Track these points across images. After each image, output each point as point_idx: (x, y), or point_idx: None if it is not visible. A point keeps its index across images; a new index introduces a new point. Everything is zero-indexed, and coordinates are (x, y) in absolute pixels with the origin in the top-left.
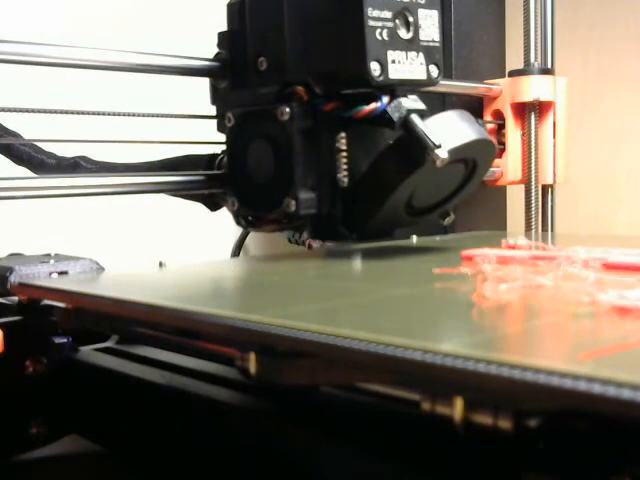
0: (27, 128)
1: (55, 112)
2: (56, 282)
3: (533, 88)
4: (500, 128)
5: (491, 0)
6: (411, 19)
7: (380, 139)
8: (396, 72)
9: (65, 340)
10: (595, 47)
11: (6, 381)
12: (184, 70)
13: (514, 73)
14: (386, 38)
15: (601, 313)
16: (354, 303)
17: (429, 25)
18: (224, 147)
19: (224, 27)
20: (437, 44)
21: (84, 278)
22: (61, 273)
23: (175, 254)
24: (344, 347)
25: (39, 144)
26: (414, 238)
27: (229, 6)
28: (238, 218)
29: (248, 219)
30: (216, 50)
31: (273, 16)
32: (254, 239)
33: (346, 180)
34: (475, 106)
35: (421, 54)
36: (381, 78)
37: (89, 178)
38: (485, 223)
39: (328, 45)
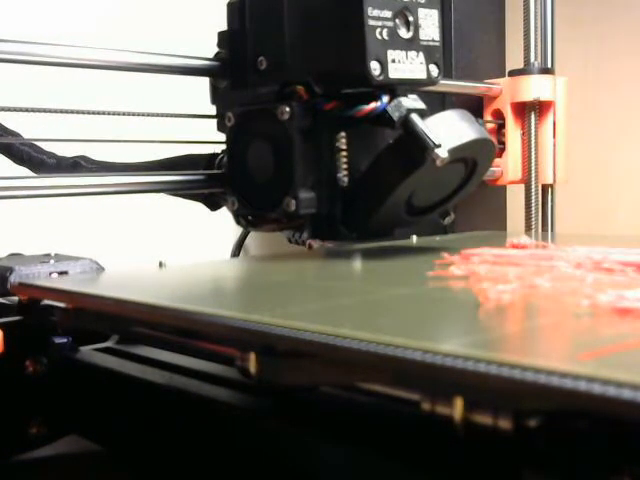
0: (27, 128)
1: (55, 112)
2: (56, 282)
3: (533, 88)
4: (500, 128)
5: (491, 0)
6: (411, 18)
7: (380, 139)
8: (396, 71)
9: (65, 340)
10: (595, 47)
11: (6, 381)
12: (184, 70)
13: (514, 73)
14: (386, 37)
15: (601, 313)
16: (354, 303)
17: (429, 24)
18: (224, 147)
19: (224, 27)
20: (437, 43)
21: (84, 278)
22: (61, 273)
23: (175, 254)
24: (344, 347)
25: (39, 144)
26: (414, 238)
27: (229, 5)
28: (238, 218)
29: (248, 219)
30: (216, 50)
31: (273, 16)
32: (254, 239)
33: (346, 179)
34: (475, 106)
35: (421, 53)
36: (381, 77)
37: (89, 178)
38: (485, 223)
39: (328, 44)
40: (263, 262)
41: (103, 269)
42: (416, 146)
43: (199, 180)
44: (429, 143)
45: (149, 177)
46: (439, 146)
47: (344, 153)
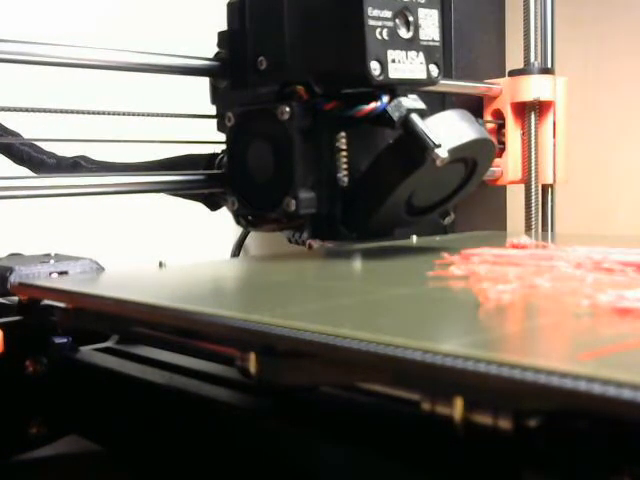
0: (27, 128)
1: (55, 112)
2: (56, 282)
3: (533, 88)
4: (500, 128)
5: (491, 0)
6: (411, 18)
7: (380, 138)
8: (396, 71)
9: (65, 340)
10: (595, 47)
11: (6, 381)
12: (184, 70)
13: (514, 73)
14: (386, 37)
15: (601, 313)
16: (354, 303)
17: (429, 24)
18: (224, 147)
19: (224, 27)
20: (437, 43)
21: (84, 278)
22: (61, 273)
23: (175, 254)
24: (344, 347)
25: (39, 144)
26: (414, 238)
27: (229, 5)
28: (238, 218)
29: (248, 219)
30: (216, 49)
31: (273, 15)
32: (254, 239)
33: (346, 179)
34: (475, 106)
35: (421, 53)
36: (381, 77)
37: (89, 178)
38: (485, 223)
39: (328, 44)
40: (263, 262)
41: (103, 269)
42: (416, 146)
43: (199, 180)
44: (429, 143)
45: (149, 177)
46: (439, 146)
47: (344, 153)
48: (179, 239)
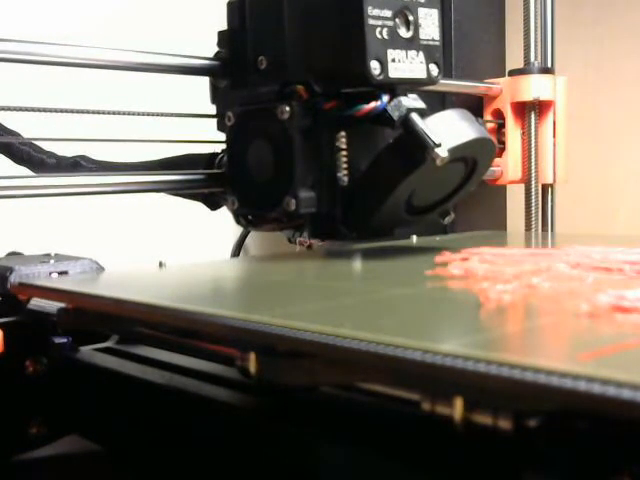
0: (27, 128)
1: (54, 111)
2: (56, 282)
3: (533, 87)
4: (500, 127)
5: (491, 0)
6: (411, 18)
7: (380, 138)
8: (396, 71)
9: (65, 340)
10: (595, 46)
11: (6, 381)
12: (184, 69)
13: (514, 72)
14: (386, 37)
15: (601, 313)
16: (354, 303)
17: (429, 24)
18: (224, 146)
19: (224, 26)
20: (437, 43)
21: (84, 278)
22: (61, 273)
23: (175, 254)
24: (344, 347)
25: (39, 143)
26: (414, 238)
27: (229, 5)
28: (238, 217)
29: (248, 218)
30: (216, 49)
31: (273, 15)
32: (254, 239)
33: (346, 179)
34: (475, 105)
35: (421, 53)
36: (381, 77)
37: (89, 177)
38: (485, 222)
39: (328, 44)
40: (263, 262)
41: (103, 269)
42: (416, 145)
43: (199, 180)
44: (429, 142)
45: (149, 177)
46: (439, 145)
47: (344, 152)
48: (179, 239)
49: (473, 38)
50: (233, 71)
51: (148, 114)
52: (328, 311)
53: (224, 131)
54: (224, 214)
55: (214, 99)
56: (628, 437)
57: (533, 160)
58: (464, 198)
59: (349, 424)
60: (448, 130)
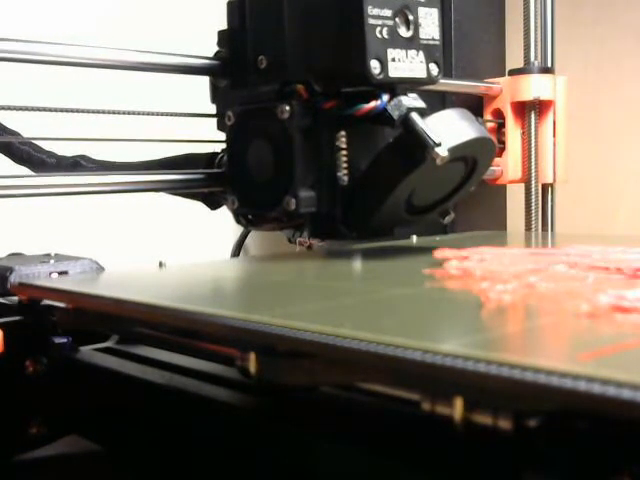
0: (27, 127)
1: (54, 111)
2: (56, 282)
3: (533, 87)
4: (500, 127)
5: (491, 0)
6: (411, 17)
7: (380, 137)
8: (396, 70)
9: (65, 340)
10: (595, 46)
11: (6, 381)
12: (184, 68)
13: (514, 72)
14: (386, 36)
15: (601, 313)
16: (354, 303)
17: (429, 23)
18: (224, 146)
19: (224, 25)
20: (437, 42)
21: (84, 278)
22: (61, 273)
23: (175, 254)
24: (344, 347)
25: (39, 143)
26: (414, 238)
27: (229, 4)
28: (238, 217)
29: (248, 218)
30: (216, 48)
31: (273, 14)
32: (254, 239)
33: (346, 178)
34: (475, 105)
35: (421, 52)
36: (381, 76)
37: (89, 177)
38: (485, 223)
39: (328, 43)
40: (263, 262)
41: (103, 269)
42: (416, 145)
43: (199, 179)
44: (429, 142)
45: (149, 176)
46: (439, 145)
47: (344, 152)
48: (179, 239)
49: (473, 38)
50: (233, 71)
51: (148, 114)
52: (328, 311)
53: (224, 131)
54: (224, 214)
55: (214, 99)
56: (628, 437)
57: (533, 160)
58: (464, 198)
59: (349, 424)
60: (448, 129)
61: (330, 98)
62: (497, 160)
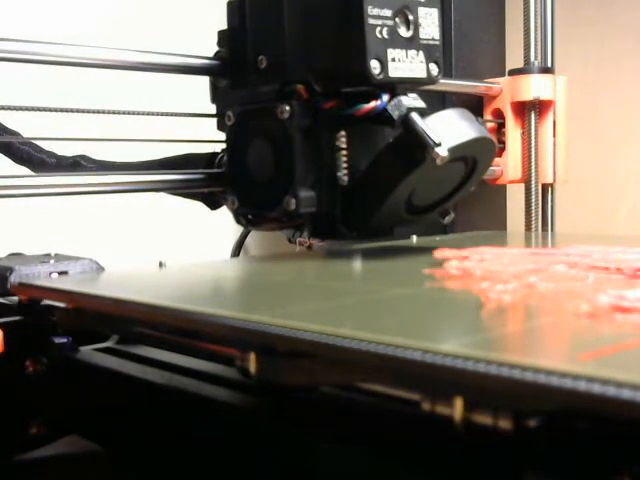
0: (27, 127)
1: (54, 110)
2: (56, 282)
3: (533, 87)
4: (500, 127)
5: (491, 0)
6: (411, 17)
7: (380, 137)
8: (396, 70)
9: (65, 340)
10: (595, 46)
11: (6, 381)
12: (184, 68)
13: (514, 72)
14: (386, 36)
15: (601, 313)
16: (354, 303)
17: (429, 23)
18: (224, 146)
19: (224, 25)
20: (437, 42)
21: (84, 278)
22: (61, 273)
23: (175, 254)
24: (344, 347)
25: (39, 143)
26: (414, 238)
27: (229, 4)
28: (238, 217)
29: (248, 218)
30: (216, 48)
31: (273, 14)
32: (254, 239)
33: (346, 178)
34: (475, 105)
35: (421, 52)
36: (381, 76)
37: (89, 176)
38: (485, 223)
39: (328, 43)
40: (263, 262)
41: (103, 269)
42: (416, 145)
43: (199, 179)
44: (429, 142)
45: (149, 176)
46: (439, 145)
47: (344, 152)
48: (179, 239)
49: (473, 38)
50: (233, 70)
51: (148, 114)
52: (328, 311)
53: (224, 131)
54: (224, 214)
55: (214, 99)
56: (628, 437)
57: (533, 160)
58: (464, 198)
59: (349, 424)
60: (448, 129)
61: (330, 98)
62: (497, 160)
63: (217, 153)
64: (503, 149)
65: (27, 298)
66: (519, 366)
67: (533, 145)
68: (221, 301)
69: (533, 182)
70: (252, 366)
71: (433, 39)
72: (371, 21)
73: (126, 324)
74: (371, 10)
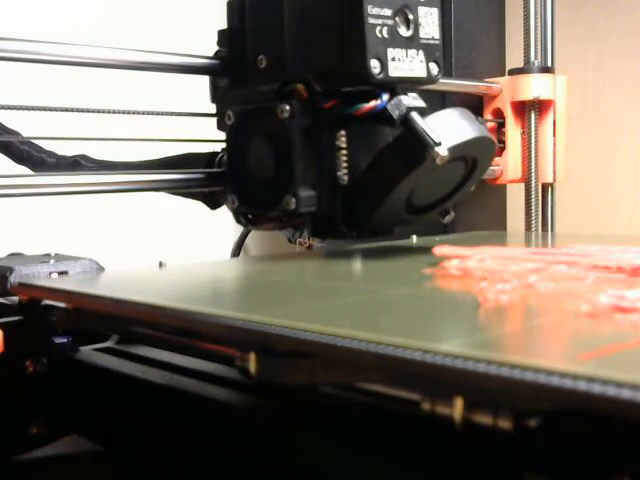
0: (26, 127)
1: (54, 110)
2: (56, 282)
3: (533, 86)
4: (500, 126)
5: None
6: (411, 17)
7: (380, 137)
8: (396, 70)
9: (65, 340)
10: (595, 46)
11: (6, 381)
12: (184, 68)
13: (514, 71)
14: (386, 36)
15: (601, 313)
16: (354, 303)
17: (429, 23)
18: (224, 145)
19: (224, 25)
20: (437, 42)
21: (84, 278)
22: (61, 273)
23: (175, 254)
24: (344, 347)
25: (39, 143)
26: (414, 238)
27: (229, 4)
28: (238, 216)
29: (248, 217)
30: (216, 48)
31: (273, 14)
32: (254, 239)
33: (346, 178)
34: (475, 104)
35: (421, 52)
36: (381, 76)
37: (89, 176)
38: (485, 222)
39: (328, 43)
40: (263, 262)
41: (103, 269)
42: (416, 144)
43: (199, 179)
44: (429, 141)
45: (149, 176)
46: (439, 144)
47: (344, 151)
48: (179, 239)
49: (473, 37)
50: (233, 70)
51: (148, 113)
52: (328, 311)
53: (224, 130)
54: (224, 214)
55: (214, 98)
56: (628, 437)
57: (533, 159)
58: (464, 197)
59: (349, 424)
60: (448, 129)
61: (330, 97)
62: (497, 160)
63: (217, 153)
64: (503, 149)
65: (27, 298)
66: (519, 366)
67: (533, 145)
68: (221, 301)
69: (533, 182)
70: (252, 366)
71: (433, 38)
72: (371, 20)
73: (126, 324)
74: (371, 9)
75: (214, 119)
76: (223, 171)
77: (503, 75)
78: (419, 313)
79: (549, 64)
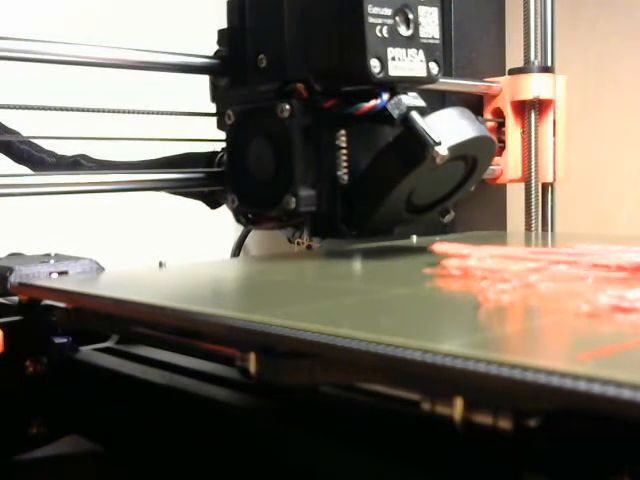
0: (26, 127)
1: (54, 109)
2: (56, 282)
3: (533, 86)
4: (500, 126)
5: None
6: (411, 16)
7: (380, 136)
8: (396, 69)
9: (65, 340)
10: (595, 45)
11: (6, 381)
12: (184, 67)
13: (514, 71)
14: (386, 35)
15: (601, 313)
16: (354, 303)
17: (429, 22)
18: (224, 145)
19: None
20: (437, 41)
21: (84, 278)
22: (61, 273)
23: (175, 254)
24: (344, 347)
25: (39, 142)
26: (414, 238)
27: (229, 3)
28: (238, 216)
29: (248, 217)
30: (216, 47)
31: (273, 13)
32: (254, 239)
33: (346, 177)
34: (475, 104)
35: (421, 51)
36: (381, 75)
37: (88, 175)
38: (485, 222)
39: (328, 42)
40: (263, 262)
41: (103, 269)
42: (416, 144)
43: (199, 178)
44: (429, 141)
45: (149, 175)
46: (439, 144)
47: (344, 151)
48: (179, 239)
49: (473, 37)
50: (233, 69)
51: (148, 113)
52: (328, 311)
53: (224, 130)
54: (224, 213)
55: (214, 97)
56: (628, 437)
57: (533, 159)
58: (464, 197)
59: (349, 424)
60: (448, 128)
61: (330, 97)
62: (497, 159)
63: (217, 152)
64: (503, 148)
65: (27, 298)
66: (519, 366)
67: (533, 144)
68: (221, 301)
69: (533, 181)
70: (252, 366)
71: (433, 38)
72: (371, 20)
73: (126, 324)
74: (371, 9)
75: (214, 118)
76: (223, 171)
77: (503, 75)
78: (419, 313)
79: (549, 64)
